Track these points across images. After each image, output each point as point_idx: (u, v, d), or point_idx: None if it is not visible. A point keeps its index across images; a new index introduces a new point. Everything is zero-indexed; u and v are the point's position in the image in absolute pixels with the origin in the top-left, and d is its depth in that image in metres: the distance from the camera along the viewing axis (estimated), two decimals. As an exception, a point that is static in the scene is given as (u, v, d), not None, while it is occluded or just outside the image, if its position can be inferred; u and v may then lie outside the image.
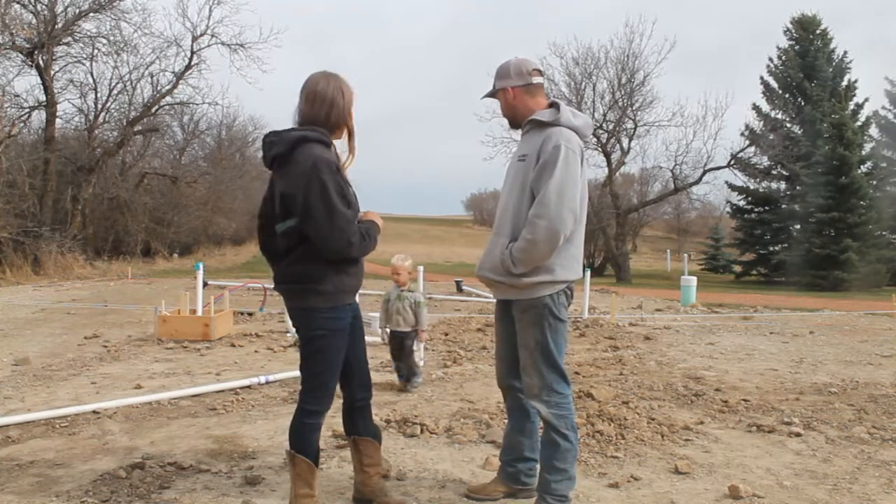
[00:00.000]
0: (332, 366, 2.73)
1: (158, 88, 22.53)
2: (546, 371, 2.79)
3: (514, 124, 2.99)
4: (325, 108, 2.69)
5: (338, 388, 2.86)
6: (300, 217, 2.59)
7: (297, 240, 2.65)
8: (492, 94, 3.00)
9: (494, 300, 3.11)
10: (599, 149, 25.83)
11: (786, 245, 27.67)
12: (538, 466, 2.95)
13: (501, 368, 3.08)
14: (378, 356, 6.41)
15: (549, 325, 2.78)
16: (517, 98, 2.91)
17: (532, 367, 2.81)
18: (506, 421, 3.91)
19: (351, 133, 2.79)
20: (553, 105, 2.90)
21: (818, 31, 28.97)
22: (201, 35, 21.50)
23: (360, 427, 2.94)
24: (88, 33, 19.87)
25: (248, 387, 5.21)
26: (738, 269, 31.62)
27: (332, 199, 2.56)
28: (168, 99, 22.92)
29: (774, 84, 29.47)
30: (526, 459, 3.06)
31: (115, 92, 22.40)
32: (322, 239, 2.58)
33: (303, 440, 2.73)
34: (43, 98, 19.84)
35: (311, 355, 2.73)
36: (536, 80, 2.91)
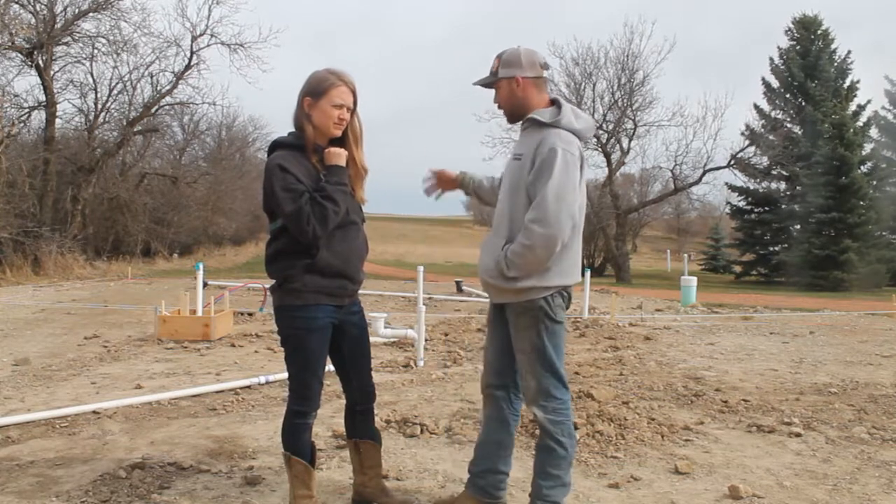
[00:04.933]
0: (310, 366, 2.70)
1: (158, 88, 22.54)
2: (543, 375, 2.64)
3: (515, 118, 2.76)
4: (296, 110, 2.73)
5: (340, 389, 2.85)
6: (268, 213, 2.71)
7: (273, 239, 2.73)
8: (491, 83, 2.72)
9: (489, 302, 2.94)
10: (599, 149, 25.83)
11: (786, 245, 27.68)
12: (508, 479, 2.92)
13: (487, 373, 2.90)
14: (378, 356, 6.40)
15: (545, 328, 2.63)
16: (526, 90, 2.67)
17: (530, 371, 2.67)
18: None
19: (316, 127, 2.66)
20: (554, 103, 2.70)
21: (819, 32, 28.98)
22: (201, 35, 21.50)
23: (360, 430, 2.94)
24: (88, 33, 19.90)
25: (248, 387, 5.21)
26: (738, 269, 31.61)
27: (278, 197, 2.56)
28: (168, 99, 22.92)
29: (776, 84, 29.46)
30: (497, 472, 2.87)
31: (115, 92, 22.43)
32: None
33: (293, 440, 2.74)
34: (43, 98, 19.85)
35: (288, 355, 2.74)
36: (545, 73, 2.71)
